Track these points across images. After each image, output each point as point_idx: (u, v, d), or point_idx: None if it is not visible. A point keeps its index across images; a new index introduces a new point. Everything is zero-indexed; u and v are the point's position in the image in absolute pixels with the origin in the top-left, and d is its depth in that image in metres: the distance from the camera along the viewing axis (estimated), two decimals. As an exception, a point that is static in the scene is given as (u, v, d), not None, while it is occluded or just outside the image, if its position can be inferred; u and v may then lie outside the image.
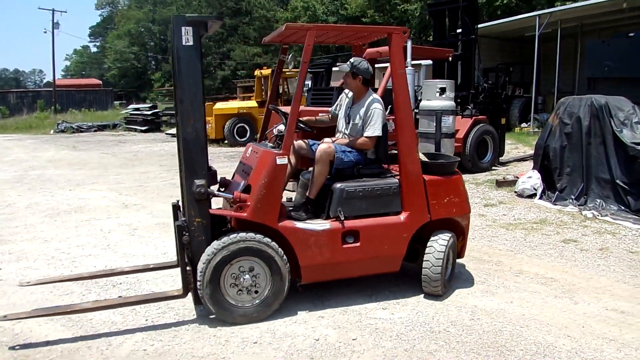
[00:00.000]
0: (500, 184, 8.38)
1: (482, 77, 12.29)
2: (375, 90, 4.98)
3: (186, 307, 3.80)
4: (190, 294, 3.60)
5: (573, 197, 6.98)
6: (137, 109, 24.68)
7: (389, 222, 3.85)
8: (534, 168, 7.80)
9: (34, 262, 4.90)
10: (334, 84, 10.47)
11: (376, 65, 8.89)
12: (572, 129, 7.07)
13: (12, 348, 3.21)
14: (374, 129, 3.94)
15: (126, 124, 24.09)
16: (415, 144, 3.96)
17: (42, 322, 3.52)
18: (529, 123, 16.51)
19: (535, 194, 7.42)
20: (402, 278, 4.30)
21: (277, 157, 3.55)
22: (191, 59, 3.34)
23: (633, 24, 15.93)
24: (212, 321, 3.56)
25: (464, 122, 9.89)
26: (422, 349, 3.19)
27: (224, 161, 12.12)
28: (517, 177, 8.15)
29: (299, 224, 3.65)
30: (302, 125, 4.22)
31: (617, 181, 6.59)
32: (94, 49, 71.63)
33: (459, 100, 10.07)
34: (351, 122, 4.11)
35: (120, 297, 3.98)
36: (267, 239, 3.49)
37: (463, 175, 4.41)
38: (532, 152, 9.42)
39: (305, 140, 4.18)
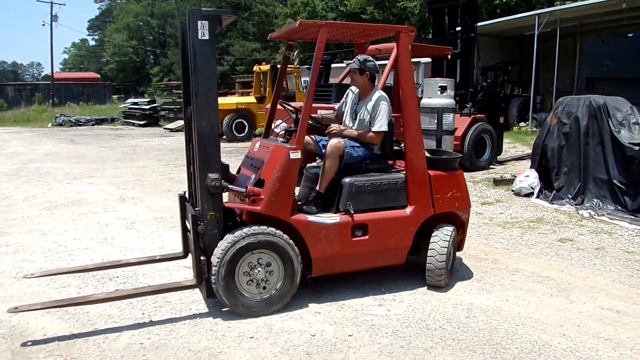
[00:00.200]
0: (497, 182, 8.40)
1: (481, 75, 12.29)
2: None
3: (183, 301, 3.81)
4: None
5: (570, 196, 7.00)
6: (136, 103, 24.62)
7: (395, 216, 3.97)
8: (531, 167, 7.82)
9: (31, 255, 4.90)
10: (333, 80, 10.48)
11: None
12: (570, 128, 7.09)
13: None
14: (381, 124, 4.03)
15: (124, 118, 24.04)
16: (421, 141, 4.07)
17: (39, 315, 3.52)
18: (527, 122, 16.54)
19: (532, 193, 7.44)
20: (399, 274, 4.32)
21: (290, 151, 3.62)
22: (207, 53, 3.35)
23: (632, 24, 15.95)
24: (208, 315, 3.57)
25: (462, 120, 9.91)
26: (417, 345, 3.21)
27: (222, 156, 12.08)
28: (515, 176, 8.18)
29: (311, 218, 3.73)
30: (311, 122, 4.26)
31: (614, 181, 6.61)
32: (92, 43, 71.53)
33: (457, 99, 10.08)
34: (358, 118, 4.19)
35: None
36: (279, 232, 3.55)
37: (461, 174, 4.46)
38: (530, 151, 9.44)
39: (312, 136, 4.24)
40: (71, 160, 11.65)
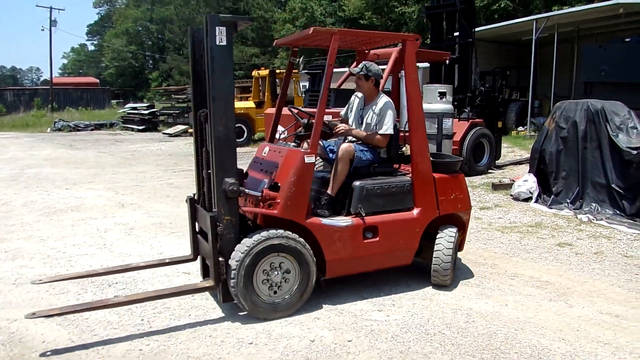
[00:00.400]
0: (496, 187, 8.41)
1: (479, 80, 12.30)
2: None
3: (182, 307, 3.80)
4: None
5: (568, 200, 7.01)
6: (135, 108, 24.62)
7: (404, 218, 4.09)
8: (530, 171, 7.83)
9: (29, 261, 4.89)
10: (333, 85, 10.50)
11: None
12: (568, 133, 7.11)
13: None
14: (388, 127, 4.12)
15: (123, 123, 24.03)
16: (426, 145, 4.20)
17: (39, 322, 3.51)
18: (525, 127, 16.57)
19: (531, 198, 7.45)
20: (398, 279, 4.33)
21: (305, 155, 3.69)
22: (225, 58, 3.39)
23: (629, 29, 16.01)
24: (208, 322, 3.57)
25: (460, 125, 9.93)
26: (417, 350, 3.21)
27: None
28: (513, 181, 8.19)
29: (325, 221, 3.80)
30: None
31: (613, 185, 6.62)
32: (91, 48, 71.67)
33: (455, 103, 10.11)
34: (364, 122, 4.27)
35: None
36: (296, 235, 3.60)
37: (460, 178, 4.51)
38: (528, 155, 9.46)
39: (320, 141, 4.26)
40: (70, 166, 11.65)
